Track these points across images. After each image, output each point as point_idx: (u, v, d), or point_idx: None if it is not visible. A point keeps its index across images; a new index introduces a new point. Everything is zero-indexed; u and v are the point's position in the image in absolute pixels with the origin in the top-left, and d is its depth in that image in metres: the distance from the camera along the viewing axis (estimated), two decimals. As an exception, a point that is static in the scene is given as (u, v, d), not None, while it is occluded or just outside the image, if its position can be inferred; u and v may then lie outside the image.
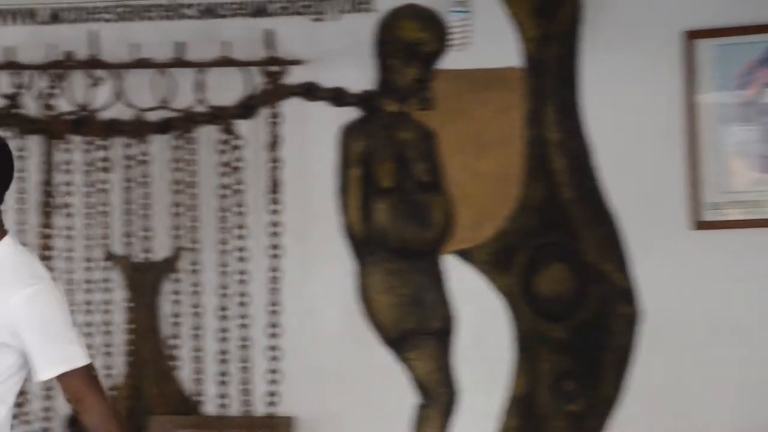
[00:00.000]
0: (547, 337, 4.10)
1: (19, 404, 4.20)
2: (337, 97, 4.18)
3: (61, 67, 4.21)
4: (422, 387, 4.17)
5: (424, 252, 4.16)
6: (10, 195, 4.18)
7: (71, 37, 4.23)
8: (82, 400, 2.74)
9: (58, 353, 2.72)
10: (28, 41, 4.25)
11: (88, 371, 2.75)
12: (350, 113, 4.20)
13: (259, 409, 4.22)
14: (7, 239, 2.79)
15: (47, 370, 2.71)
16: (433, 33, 4.14)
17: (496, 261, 4.14)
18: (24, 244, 2.94)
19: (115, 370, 4.29)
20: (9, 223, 4.16)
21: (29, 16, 4.29)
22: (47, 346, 2.71)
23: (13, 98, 4.25)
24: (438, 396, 4.17)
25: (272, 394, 4.21)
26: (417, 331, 4.17)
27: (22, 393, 4.17)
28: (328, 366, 4.20)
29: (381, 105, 4.18)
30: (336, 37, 4.19)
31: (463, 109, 4.13)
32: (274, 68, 4.15)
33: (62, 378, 2.73)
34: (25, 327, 2.68)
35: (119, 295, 4.31)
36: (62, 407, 4.27)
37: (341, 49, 4.18)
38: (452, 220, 4.14)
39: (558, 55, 4.10)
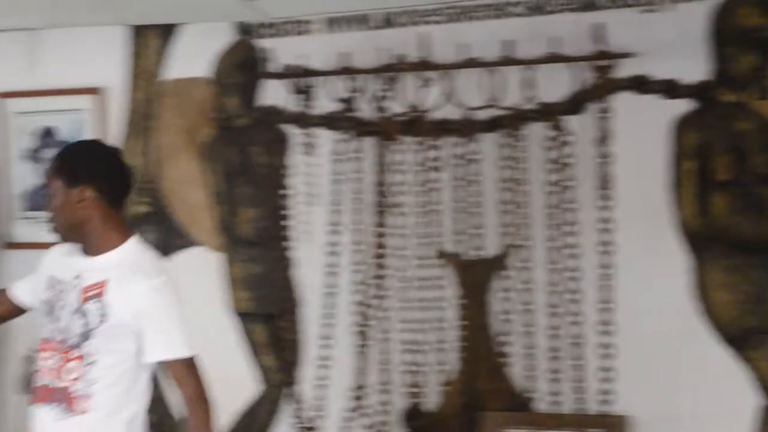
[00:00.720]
0: None
1: (357, 398, 4.36)
2: (670, 89, 4.06)
3: (393, 70, 4.32)
4: (767, 388, 3.98)
5: (766, 247, 3.98)
6: (347, 195, 4.41)
7: (402, 41, 4.34)
8: (182, 385, 3.14)
9: (170, 341, 3.13)
10: (362, 46, 4.39)
11: (191, 362, 3.15)
12: (683, 105, 4.08)
13: (592, 407, 4.16)
14: (132, 239, 3.23)
15: (156, 353, 3.13)
16: (774, 18, 3.96)
17: None
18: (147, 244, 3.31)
19: (448, 366, 4.35)
20: (346, 222, 4.41)
21: (363, 21, 4.44)
22: (161, 332, 3.12)
23: (348, 102, 4.40)
24: (783, 398, 3.98)
25: (606, 392, 4.14)
26: (760, 330, 3.98)
27: (360, 387, 4.36)
28: (663, 364, 4.08)
29: (717, 96, 4.03)
30: (667, 27, 4.06)
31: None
32: (604, 62, 4.08)
33: (168, 363, 3.14)
34: (145, 313, 3.09)
35: (451, 292, 4.37)
36: (399, 401, 4.39)
37: (673, 39, 4.05)
38: (795, 213, 3.95)
39: None
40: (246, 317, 4.66)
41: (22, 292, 3.44)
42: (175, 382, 3.16)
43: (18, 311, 3.48)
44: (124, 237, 3.22)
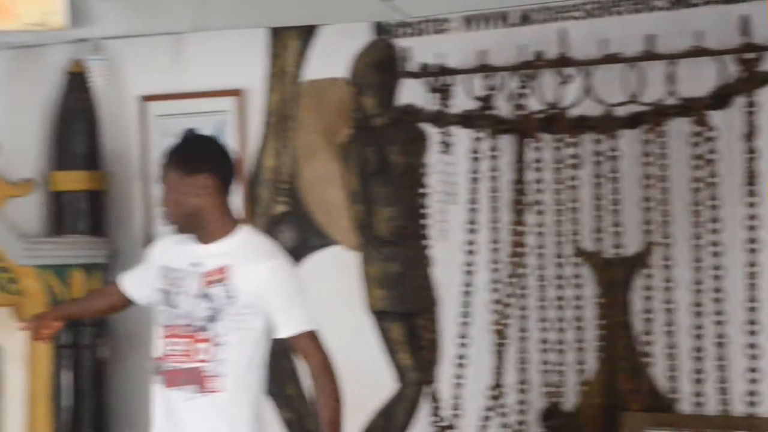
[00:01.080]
0: None
1: (494, 397, 4.35)
2: (819, 81, 3.96)
3: (531, 67, 4.29)
4: None
5: None
6: (484, 194, 4.40)
7: (541, 37, 4.31)
8: (309, 357, 3.35)
9: (297, 316, 3.34)
10: (500, 43, 4.38)
11: (316, 335, 3.34)
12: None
13: (738, 408, 4.07)
14: (245, 225, 3.46)
15: (287, 328, 3.32)
16: None
17: None
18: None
19: (586, 365, 4.30)
20: (483, 220, 4.40)
21: (501, 19, 4.43)
22: (288, 309, 3.33)
23: (486, 100, 4.39)
24: None
25: (752, 393, 4.04)
26: None
27: (497, 386, 4.34)
28: (813, 365, 3.98)
29: None
30: (816, 18, 3.97)
31: None
32: (749, 55, 3.98)
33: (295, 337, 3.34)
34: (271, 292, 3.30)
35: (590, 291, 4.32)
36: (537, 400, 4.36)
37: (821, 30, 3.95)
38: None
39: None
40: (382, 316, 4.68)
41: (131, 285, 3.67)
42: (301, 354, 3.38)
43: (128, 303, 3.73)
44: (236, 223, 3.43)
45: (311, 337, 3.35)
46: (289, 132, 4.83)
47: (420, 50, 4.49)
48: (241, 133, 4.85)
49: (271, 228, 4.85)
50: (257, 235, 3.51)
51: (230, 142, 4.86)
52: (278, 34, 4.79)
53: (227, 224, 3.39)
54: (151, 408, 3.48)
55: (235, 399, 3.34)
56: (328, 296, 4.75)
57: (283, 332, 3.34)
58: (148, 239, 5.08)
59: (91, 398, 4.92)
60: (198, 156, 3.40)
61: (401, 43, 4.58)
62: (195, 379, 3.31)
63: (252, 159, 4.89)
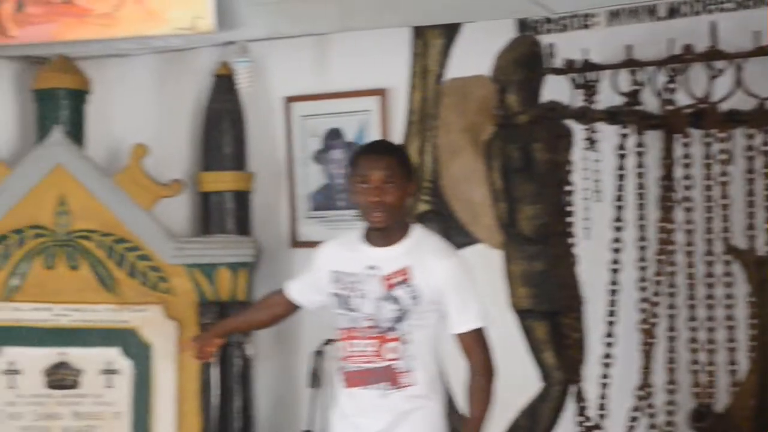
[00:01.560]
0: None
1: (642, 397, 4.28)
2: None
3: (679, 61, 4.20)
4: None
5: None
6: (630, 191, 4.33)
7: (689, 30, 4.22)
8: (472, 354, 3.46)
9: (469, 314, 3.46)
10: (647, 37, 4.31)
11: (482, 332, 3.47)
12: None
13: None
14: (417, 226, 3.56)
15: (460, 326, 3.45)
16: None
17: None
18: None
19: (738, 365, 4.20)
20: (630, 218, 4.33)
21: (648, 12, 4.37)
22: (462, 307, 3.45)
23: (632, 95, 4.33)
24: None
25: None
26: None
27: (645, 386, 4.27)
28: None
29: None
30: None
31: None
32: None
33: (463, 334, 3.46)
34: (449, 290, 3.43)
35: (741, 289, 4.21)
36: (686, 401, 4.27)
37: None
38: None
39: None
40: (526, 314, 4.66)
41: (299, 292, 3.78)
42: (464, 349, 3.48)
43: (293, 311, 3.87)
44: (408, 226, 3.55)
45: (479, 335, 3.48)
46: (431, 131, 4.84)
47: (564, 46, 4.45)
48: (385, 133, 4.89)
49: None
50: (431, 236, 3.59)
51: (373, 141, 4.92)
52: (421, 33, 4.81)
53: (405, 228, 3.53)
54: (332, 406, 3.69)
55: (426, 391, 3.49)
56: (471, 294, 4.76)
57: (457, 329, 3.47)
58: (293, 238, 5.16)
59: (239, 395, 5.02)
60: (411, 164, 3.60)
61: (545, 39, 4.55)
62: (387, 377, 3.46)
63: (395, 158, 4.91)
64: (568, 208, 4.49)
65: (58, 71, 5.06)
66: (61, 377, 4.90)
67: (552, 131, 4.51)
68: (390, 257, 3.48)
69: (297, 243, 5.16)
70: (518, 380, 4.63)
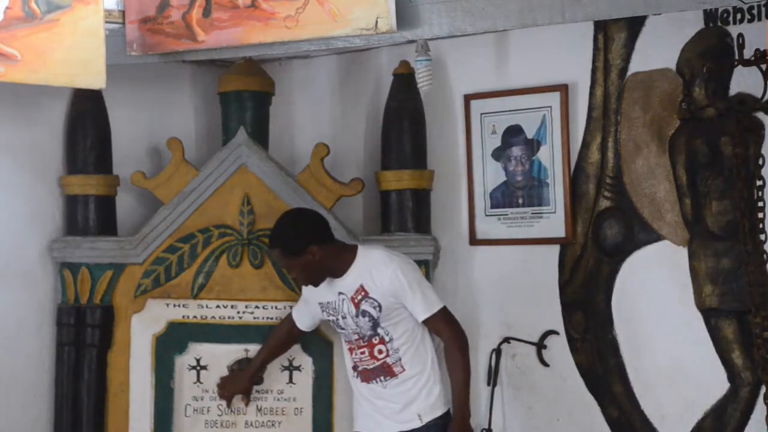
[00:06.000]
0: None
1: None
2: None
3: None
4: None
5: None
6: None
7: None
8: (441, 333, 4.32)
9: (427, 301, 4.27)
10: None
11: (444, 312, 4.29)
12: None
13: None
14: (358, 249, 4.38)
15: (423, 313, 4.27)
16: None
17: None
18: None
19: None
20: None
21: None
22: (416, 299, 4.25)
23: None
24: None
25: None
26: None
27: None
28: None
29: None
30: None
31: None
32: None
33: (428, 319, 4.28)
34: (399, 289, 4.24)
35: None
36: None
37: None
38: None
39: None
40: (713, 313, 4.53)
41: (301, 321, 4.71)
42: (434, 331, 4.34)
43: (302, 334, 4.78)
44: (351, 249, 4.38)
45: (441, 315, 4.28)
46: (613, 126, 4.76)
47: (754, 36, 4.31)
48: (566, 129, 4.84)
49: (594, 224, 4.81)
50: (372, 250, 4.38)
51: (554, 137, 4.87)
52: (604, 27, 4.75)
53: (346, 257, 4.34)
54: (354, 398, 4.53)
55: (417, 371, 4.33)
56: (655, 293, 4.68)
57: (421, 317, 4.28)
58: (472, 236, 5.16)
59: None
60: (295, 240, 4.29)
61: (734, 29, 4.41)
62: (385, 371, 4.35)
63: (576, 154, 4.86)
64: (759, 204, 4.35)
65: (243, 74, 5.19)
66: (245, 373, 5.01)
67: (741, 124, 4.38)
68: (348, 282, 4.32)
69: (476, 241, 5.15)
70: (704, 381, 4.54)
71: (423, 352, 4.36)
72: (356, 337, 4.37)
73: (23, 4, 4.16)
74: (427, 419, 4.34)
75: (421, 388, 4.35)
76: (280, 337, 4.80)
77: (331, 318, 4.46)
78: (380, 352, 4.34)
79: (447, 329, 4.29)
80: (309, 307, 4.59)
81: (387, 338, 4.32)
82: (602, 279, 4.82)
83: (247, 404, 4.90)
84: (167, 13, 4.55)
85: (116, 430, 4.97)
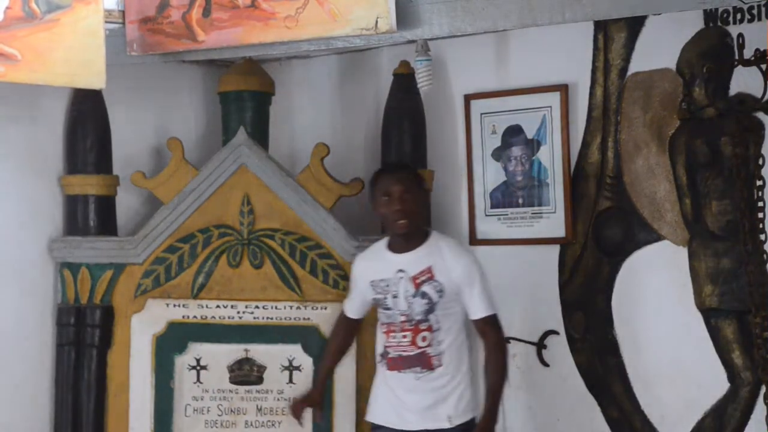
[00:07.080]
0: None
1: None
2: None
3: None
4: None
5: None
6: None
7: None
8: (487, 335, 4.29)
9: (485, 303, 4.26)
10: None
11: (495, 318, 4.29)
12: None
13: None
14: (434, 232, 4.36)
15: (476, 313, 4.27)
16: None
17: None
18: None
19: None
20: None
21: None
22: (477, 297, 4.24)
23: None
24: None
25: None
26: None
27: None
28: None
29: None
30: None
31: None
32: None
33: (479, 319, 4.28)
34: (466, 284, 4.23)
35: None
36: None
37: None
38: None
39: None
40: (712, 313, 4.53)
41: (354, 312, 4.60)
42: (480, 332, 4.32)
43: (359, 324, 4.67)
44: (426, 232, 4.35)
45: (492, 319, 4.29)
46: (613, 126, 4.76)
47: (754, 36, 4.31)
48: (566, 129, 4.84)
49: (594, 224, 4.81)
50: (446, 238, 4.39)
51: (554, 137, 4.87)
52: (604, 27, 4.75)
53: (423, 234, 4.33)
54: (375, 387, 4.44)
55: (455, 372, 4.28)
56: (654, 293, 4.68)
57: (474, 315, 4.28)
58: (472, 236, 5.16)
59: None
60: (420, 176, 4.49)
61: (734, 29, 4.41)
62: (422, 362, 4.25)
63: (576, 154, 4.86)
64: (759, 204, 4.35)
65: (243, 74, 5.20)
66: (245, 373, 5.02)
67: (741, 124, 4.37)
68: (414, 260, 4.26)
69: (476, 241, 5.15)
70: (704, 380, 4.53)
71: (462, 353, 4.32)
72: (403, 319, 4.27)
73: (23, 4, 4.16)
74: (456, 422, 4.30)
75: (454, 389, 4.29)
76: (340, 338, 4.70)
77: (379, 296, 4.34)
78: (424, 339, 4.25)
79: (495, 333, 4.29)
80: (358, 290, 4.49)
81: (435, 326, 4.24)
82: (602, 279, 4.82)
83: (319, 419, 4.76)
84: (167, 13, 4.56)
85: (116, 430, 4.98)
